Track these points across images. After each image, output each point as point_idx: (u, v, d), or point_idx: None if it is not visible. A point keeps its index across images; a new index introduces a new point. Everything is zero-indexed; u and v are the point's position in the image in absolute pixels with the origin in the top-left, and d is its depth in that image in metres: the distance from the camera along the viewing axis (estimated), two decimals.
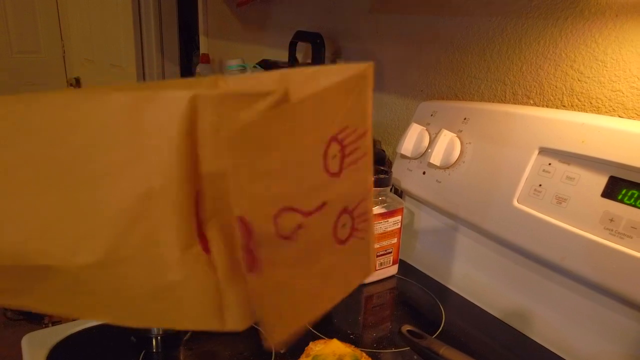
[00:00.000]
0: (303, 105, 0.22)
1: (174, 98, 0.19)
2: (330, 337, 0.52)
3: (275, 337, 0.25)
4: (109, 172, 0.20)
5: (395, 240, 0.70)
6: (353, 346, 0.49)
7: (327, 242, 0.28)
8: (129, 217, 0.20)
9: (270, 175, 0.22)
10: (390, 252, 0.71)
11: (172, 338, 0.55)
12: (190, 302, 0.23)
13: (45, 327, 0.57)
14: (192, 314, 0.23)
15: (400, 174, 0.76)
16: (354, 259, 0.30)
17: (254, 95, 0.21)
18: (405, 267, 0.75)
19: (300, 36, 1.03)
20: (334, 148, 0.25)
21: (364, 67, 0.26)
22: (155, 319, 0.24)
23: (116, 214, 0.20)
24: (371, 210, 0.30)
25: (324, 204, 0.26)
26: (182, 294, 0.22)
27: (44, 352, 0.51)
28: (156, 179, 0.20)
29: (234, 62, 1.23)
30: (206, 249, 0.22)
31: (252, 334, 0.57)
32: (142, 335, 0.55)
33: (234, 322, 0.24)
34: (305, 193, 0.24)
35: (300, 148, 0.23)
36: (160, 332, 0.54)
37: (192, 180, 0.21)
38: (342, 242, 0.29)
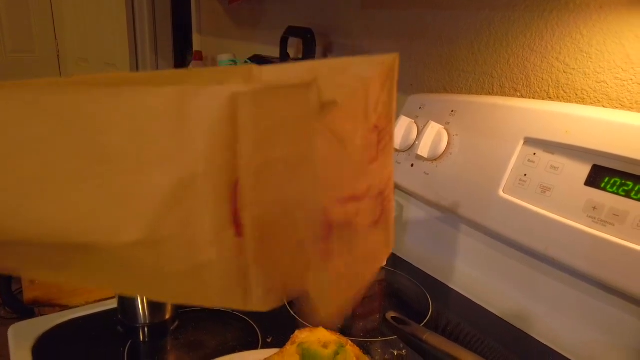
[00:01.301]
0: (342, 99, 0.23)
1: (217, 93, 0.21)
2: (317, 326, 0.52)
3: (330, 317, 0.26)
4: (154, 159, 0.21)
5: None
6: (339, 334, 0.49)
7: (370, 225, 0.30)
8: (170, 200, 0.22)
9: (332, 165, 0.23)
10: None
11: (158, 328, 0.55)
12: (220, 281, 0.24)
13: None
14: (219, 292, 0.25)
15: None
16: (381, 238, 0.32)
17: (289, 88, 0.22)
18: (394, 260, 0.76)
19: (291, 32, 1.04)
20: (373, 137, 0.27)
21: (393, 59, 0.28)
22: (186, 295, 0.25)
23: (158, 197, 0.22)
24: (393, 189, 0.32)
25: (369, 189, 0.28)
26: (213, 273, 0.24)
27: (29, 342, 0.51)
28: (198, 166, 0.21)
29: (224, 57, 1.23)
30: (239, 233, 0.23)
31: (238, 324, 0.57)
32: (129, 325, 0.55)
33: (257, 303, 0.25)
34: (358, 180, 0.26)
35: (351, 136, 0.25)
36: (147, 322, 0.54)
37: (231, 169, 0.22)
38: (377, 223, 0.31)
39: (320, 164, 0.23)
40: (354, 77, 0.26)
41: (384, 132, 0.29)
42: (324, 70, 0.26)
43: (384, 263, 0.29)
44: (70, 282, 0.25)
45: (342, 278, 0.27)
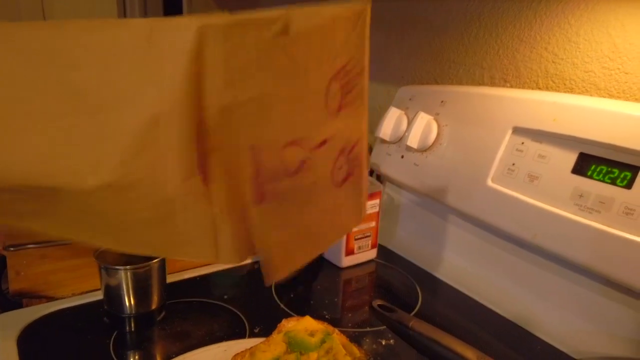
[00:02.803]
0: (308, 35, 0.22)
1: (186, 24, 0.20)
2: (304, 316, 0.52)
3: (276, 273, 0.25)
4: (120, 97, 0.21)
5: (373, 224, 0.71)
6: (326, 323, 0.49)
7: (326, 183, 0.28)
8: (137, 143, 0.21)
9: (278, 106, 0.22)
10: (369, 236, 0.71)
11: (145, 318, 0.55)
12: (187, 231, 0.23)
13: None
14: (188, 243, 0.24)
15: (379, 158, 0.76)
16: (349, 203, 0.31)
17: (260, 22, 0.21)
18: (385, 252, 0.76)
19: None
20: (335, 85, 0.26)
21: (362, 6, 0.27)
22: (154, 245, 0.24)
23: (125, 139, 0.21)
24: (365, 153, 0.31)
25: (324, 142, 0.27)
26: (180, 222, 0.23)
27: (14, 333, 0.51)
28: (163, 105, 0.21)
29: None
30: (205, 180, 0.22)
31: (225, 314, 0.57)
32: (115, 316, 0.54)
33: (228, 256, 0.24)
34: (309, 128, 0.25)
35: (305, 81, 0.24)
36: (133, 313, 0.54)
37: (197, 109, 0.21)
38: (339, 184, 0.29)
39: (282, 106, 0.22)
40: (322, 17, 0.25)
41: (353, 82, 0.27)
42: (296, 12, 0.25)
43: (351, 230, 0.28)
44: (35, 230, 0.24)
45: (288, 229, 0.26)
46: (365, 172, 0.31)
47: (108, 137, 0.21)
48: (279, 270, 0.26)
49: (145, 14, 2.03)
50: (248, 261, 0.25)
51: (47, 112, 0.20)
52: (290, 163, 0.25)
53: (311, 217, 0.28)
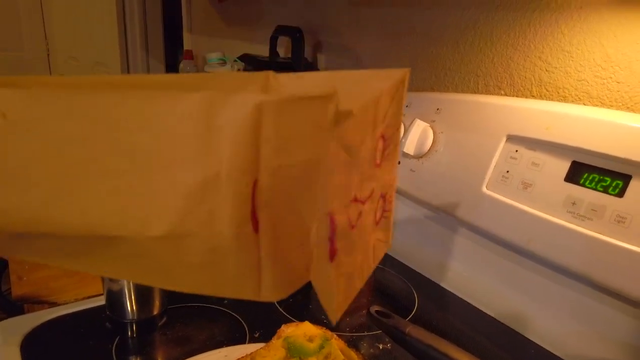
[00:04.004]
0: (358, 118, 0.25)
1: (244, 101, 0.23)
2: (303, 321, 0.53)
3: (338, 314, 0.28)
4: (181, 159, 0.23)
5: None
6: (324, 328, 0.50)
7: (372, 225, 0.32)
8: (195, 197, 0.23)
9: (340, 171, 0.25)
10: None
11: (146, 324, 0.56)
12: (235, 273, 0.26)
13: None
14: (233, 283, 0.27)
15: None
16: (381, 235, 0.34)
17: (312, 99, 0.24)
18: (383, 257, 0.77)
19: (280, 31, 1.04)
20: (379, 144, 0.29)
21: (404, 73, 0.30)
22: (200, 286, 0.27)
23: (185, 193, 0.23)
24: (395, 191, 0.34)
25: (372, 192, 0.30)
26: (229, 266, 0.26)
27: (17, 339, 0.52)
28: (222, 167, 0.23)
29: (214, 55, 1.23)
30: (256, 229, 0.25)
31: (226, 319, 0.57)
32: (117, 321, 0.55)
33: (268, 294, 0.27)
34: (360, 185, 0.28)
35: (359, 145, 0.26)
36: (135, 318, 0.55)
37: (252, 171, 0.24)
38: (377, 222, 0.33)
39: (329, 171, 0.25)
40: (368, 90, 0.28)
41: (389, 141, 0.31)
42: (341, 82, 0.27)
43: (382, 257, 0.31)
44: (87, 270, 0.27)
45: (345, 274, 0.28)
46: (393, 206, 0.35)
47: (166, 193, 0.23)
48: (338, 311, 0.29)
49: (144, 10, 2.04)
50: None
51: (113, 171, 0.23)
52: (352, 219, 0.27)
53: (361, 257, 0.31)
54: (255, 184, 0.24)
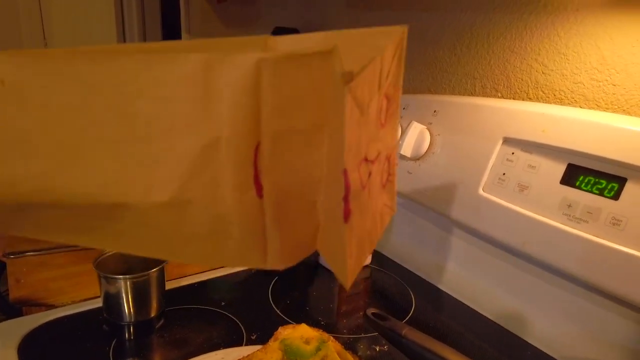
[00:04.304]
0: (360, 79, 0.24)
1: (242, 61, 0.22)
2: (301, 323, 0.53)
3: (350, 279, 0.27)
4: (181, 124, 0.23)
5: None
6: (321, 330, 0.50)
7: (379, 188, 0.31)
8: (198, 162, 0.23)
9: (353, 129, 0.24)
10: None
11: (144, 326, 0.56)
12: (239, 240, 0.25)
13: None
14: (238, 252, 0.26)
15: None
16: (387, 200, 0.34)
17: (312, 55, 0.23)
18: (380, 258, 0.77)
19: (278, 32, 1.04)
20: (383, 103, 0.29)
21: (402, 31, 0.29)
22: (205, 256, 0.26)
23: (187, 159, 0.23)
24: (397, 153, 0.33)
25: (379, 153, 0.29)
26: (234, 232, 0.25)
27: (15, 341, 0.52)
28: (223, 131, 0.23)
29: None
30: (260, 194, 0.25)
31: (223, 321, 0.58)
32: (114, 324, 0.55)
33: (274, 262, 0.26)
34: (367, 145, 0.27)
35: (368, 103, 0.26)
36: (132, 320, 0.55)
37: (254, 134, 0.23)
38: (384, 185, 0.32)
39: (346, 130, 0.24)
40: (369, 48, 0.27)
41: (391, 100, 0.30)
42: (341, 41, 0.26)
43: (388, 222, 0.30)
44: (91, 244, 0.26)
45: (357, 238, 0.28)
46: (396, 169, 0.34)
47: (169, 159, 0.23)
48: (350, 275, 0.28)
49: (142, 10, 2.04)
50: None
51: (114, 138, 0.23)
52: (364, 179, 0.27)
53: (370, 221, 0.30)
54: (257, 148, 0.24)
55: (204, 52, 0.22)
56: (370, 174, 0.28)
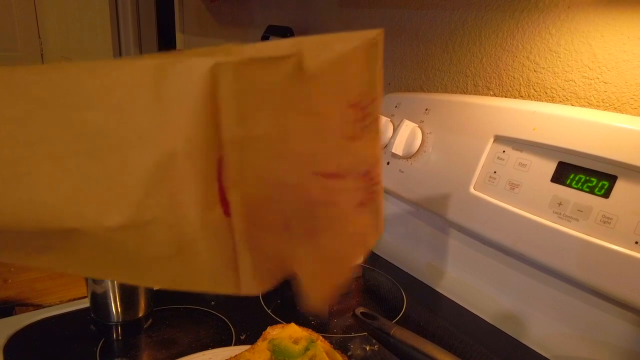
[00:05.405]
0: (322, 74, 0.23)
1: (196, 66, 0.20)
2: (291, 323, 0.52)
3: (320, 302, 0.26)
4: (133, 137, 0.21)
5: None
6: (310, 330, 0.50)
7: (351, 207, 0.29)
8: (154, 179, 0.21)
9: (295, 141, 0.23)
10: None
11: (132, 326, 0.55)
12: (208, 262, 0.24)
13: None
14: (209, 275, 0.24)
15: None
16: (370, 220, 0.31)
17: (272, 60, 0.21)
18: (372, 257, 0.77)
19: (271, 30, 1.04)
20: (351, 114, 0.26)
21: (375, 34, 0.27)
22: (173, 280, 0.24)
23: (142, 176, 0.21)
24: (381, 174, 0.32)
25: (352, 167, 0.27)
26: (201, 254, 0.23)
27: (1, 341, 0.51)
28: (179, 143, 0.21)
29: None
30: (227, 212, 0.23)
31: (212, 321, 0.57)
32: (102, 324, 0.55)
33: (249, 286, 0.25)
34: (329, 158, 0.25)
35: (320, 115, 0.24)
36: (120, 320, 0.54)
37: (214, 146, 0.21)
38: (363, 205, 0.30)
39: (297, 139, 0.23)
40: (336, 52, 0.25)
41: (367, 111, 0.28)
42: (307, 45, 0.25)
43: (371, 247, 0.29)
44: (50, 267, 0.24)
45: (330, 260, 0.26)
46: (382, 192, 0.32)
47: (122, 176, 0.21)
48: (321, 295, 0.27)
49: (137, 10, 2.03)
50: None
51: (62, 154, 0.21)
52: (327, 196, 0.25)
53: (346, 241, 0.29)
54: (220, 161, 0.22)
55: (157, 59, 0.20)
56: (341, 190, 0.26)
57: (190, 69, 0.20)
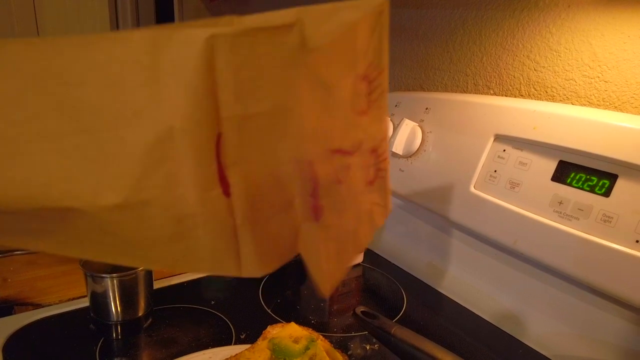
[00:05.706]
0: (327, 47, 0.22)
1: (191, 37, 0.19)
2: (291, 322, 0.52)
3: (327, 285, 0.24)
4: (129, 114, 0.20)
5: None
6: (310, 329, 0.50)
7: (363, 184, 0.28)
8: (151, 157, 0.20)
9: (302, 117, 0.21)
10: None
11: (131, 325, 0.55)
12: (208, 244, 0.23)
13: None
14: (209, 257, 0.23)
15: None
16: (377, 199, 0.30)
17: (271, 30, 0.20)
18: (372, 257, 0.76)
19: None
20: (359, 87, 0.25)
21: (381, 2, 0.26)
22: (174, 261, 0.24)
23: (139, 154, 0.20)
24: (388, 148, 0.30)
25: (359, 145, 0.26)
26: (200, 236, 0.22)
27: (0, 340, 0.51)
28: (176, 120, 0.20)
29: None
30: (227, 192, 0.22)
31: (212, 320, 0.57)
32: (102, 323, 0.55)
33: (251, 268, 0.24)
34: (340, 134, 0.24)
35: (326, 90, 0.23)
36: (120, 320, 0.54)
37: (212, 122, 0.20)
38: (371, 182, 0.29)
39: (305, 113, 0.21)
40: (340, 21, 0.24)
41: (374, 83, 0.27)
42: (310, 15, 0.23)
43: (382, 224, 0.28)
44: (48, 250, 0.23)
45: (337, 239, 0.25)
46: (388, 169, 0.31)
47: (117, 154, 0.20)
48: (329, 280, 0.25)
49: (136, 7, 2.03)
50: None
51: (56, 132, 0.20)
52: (338, 173, 0.24)
53: (354, 220, 0.28)
54: (219, 138, 0.21)
55: (152, 30, 0.19)
56: (348, 167, 0.25)
57: (186, 41, 0.19)
